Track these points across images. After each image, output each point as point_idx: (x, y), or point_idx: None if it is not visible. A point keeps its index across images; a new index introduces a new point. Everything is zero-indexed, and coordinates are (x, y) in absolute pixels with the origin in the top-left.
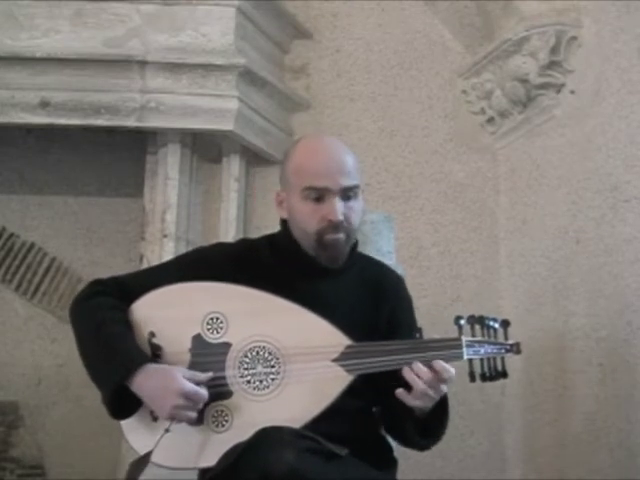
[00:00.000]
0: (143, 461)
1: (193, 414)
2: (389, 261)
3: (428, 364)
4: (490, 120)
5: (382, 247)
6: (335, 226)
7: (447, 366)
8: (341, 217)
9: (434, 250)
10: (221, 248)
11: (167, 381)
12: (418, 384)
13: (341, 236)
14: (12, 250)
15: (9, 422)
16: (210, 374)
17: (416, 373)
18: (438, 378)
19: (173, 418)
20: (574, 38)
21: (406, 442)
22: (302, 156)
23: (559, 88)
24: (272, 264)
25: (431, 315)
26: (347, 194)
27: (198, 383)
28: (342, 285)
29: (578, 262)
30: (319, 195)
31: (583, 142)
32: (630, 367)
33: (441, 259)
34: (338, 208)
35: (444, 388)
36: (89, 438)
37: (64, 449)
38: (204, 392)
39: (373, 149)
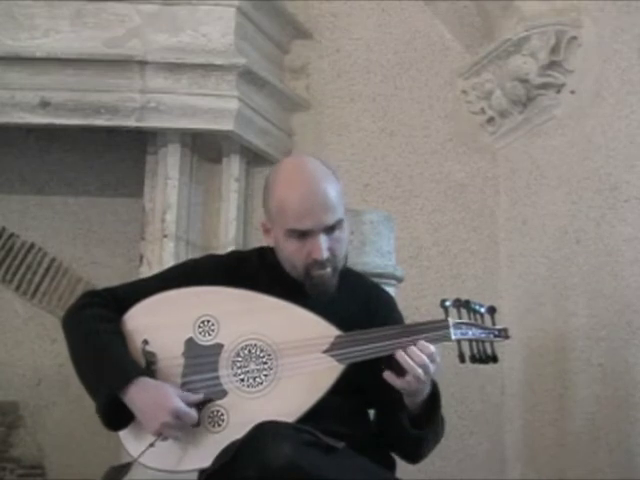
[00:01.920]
0: (123, 470)
1: (179, 434)
2: (389, 261)
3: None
4: (490, 120)
5: (382, 247)
6: (321, 263)
7: (426, 343)
8: (326, 254)
9: (434, 250)
10: (212, 259)
11: (160, 397)
12: (412, 367)
13: (328, 271)
14: (12, 250)
15: (9, 422)
16: (201, 395)
17: (410, 356)
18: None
19: (159, 434)
20: (574, 38)
21: (404, 444)
22: (283, 193)
23: (559, 88)
24: (262, 276)
25: (431, 315)
26: (331, 228)
27: (190, 404)
28: (332, 301)
29: (578, 262)
30: (303, 234)
31: (583, 142)
32: (630, 367)
33: (441, 259)
34: (323, 247)
35: (432, 368)
36: (89, 438)
37: (64, 449)
38: (194, 414)
39: (373, 149)
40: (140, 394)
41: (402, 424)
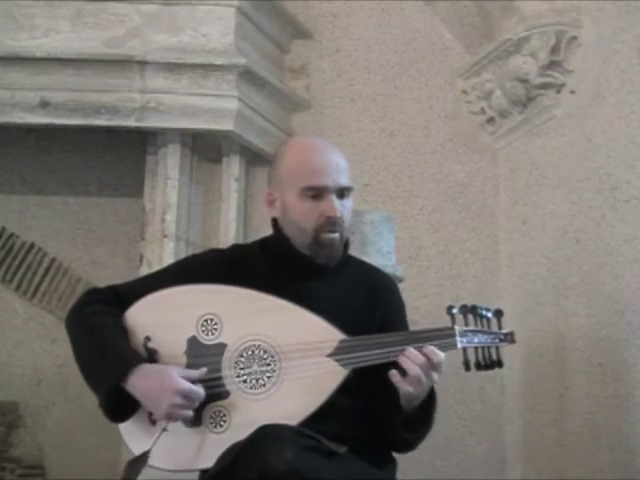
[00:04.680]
0: (140, 460)
1: (190, 413)
2: (389, 261)
3: (420, 349)
4: (490, 120)
5: (382, 247)
6: (333, 222)
7: (436, 350)
8: (339, 213)
9: (434, 250)
10: (214, 254)
11: (163, 380)
12: (412, 368)
13: (337, 236)
14: (12, 250)
15: (9, 422)
16: (204, 370)
17: (411, 359)
18: (429, 362)
19: (170, 417)
20: (574, 38)
21: (392, 440)
22: (298, 155)
23: (559, 88)
24: (265, 267)
25: (431, 315)
26: (342, 193)
27: (193, 381)
28: (336, 286)
29: (578, 262)
30: (317, 193)
31: (583, 142)
32: (630, 367)
33: (441, 259)
34: (336, 205)
35: (435, 376)
36: (89, 438)
37: (64, 449)
38: (200, 390)
39: (373, 149)
40: (142, 381)
41: (394, 426)
